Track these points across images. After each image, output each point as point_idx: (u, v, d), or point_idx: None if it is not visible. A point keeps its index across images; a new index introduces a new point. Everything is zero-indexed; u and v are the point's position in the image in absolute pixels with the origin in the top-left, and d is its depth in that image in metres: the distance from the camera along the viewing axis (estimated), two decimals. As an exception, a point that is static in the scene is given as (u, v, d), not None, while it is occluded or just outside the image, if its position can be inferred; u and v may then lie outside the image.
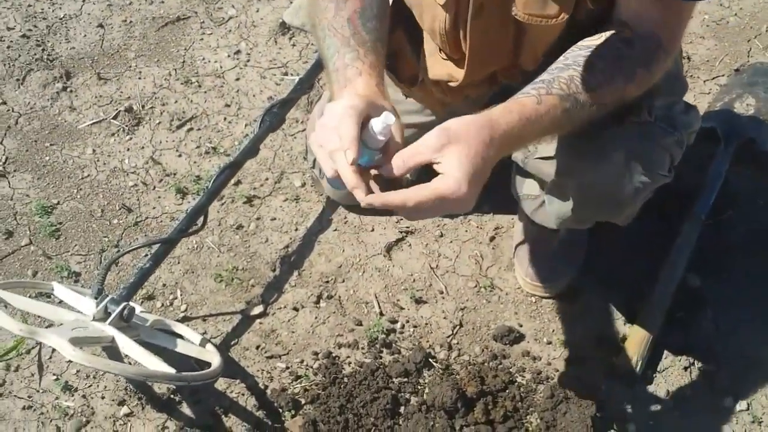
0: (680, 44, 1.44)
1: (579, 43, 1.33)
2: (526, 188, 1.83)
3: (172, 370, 1.55)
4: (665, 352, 1.88)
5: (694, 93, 2.38)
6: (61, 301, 1.78)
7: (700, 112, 1.64)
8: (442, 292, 1.99)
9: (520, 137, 1.23)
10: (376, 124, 1.14)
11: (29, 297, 1.76)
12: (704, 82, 2.43)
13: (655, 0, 1.27)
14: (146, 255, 1.90)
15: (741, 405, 1.80)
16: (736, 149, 2.18)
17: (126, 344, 1.62)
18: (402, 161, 1.16)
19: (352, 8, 1.38)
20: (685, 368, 1.86)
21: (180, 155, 2.23)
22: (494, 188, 1.92)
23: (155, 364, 1.57)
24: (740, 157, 2.19)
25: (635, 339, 1.85)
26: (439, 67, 1.58)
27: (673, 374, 1.86)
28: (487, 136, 1.16)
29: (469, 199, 1.15)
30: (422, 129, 1.82)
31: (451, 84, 1.58)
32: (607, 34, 1.31)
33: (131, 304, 1.69)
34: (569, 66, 1.29)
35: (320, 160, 1.21)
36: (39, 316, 1.83)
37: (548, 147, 1.55)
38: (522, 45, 1.46)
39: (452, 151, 1.13)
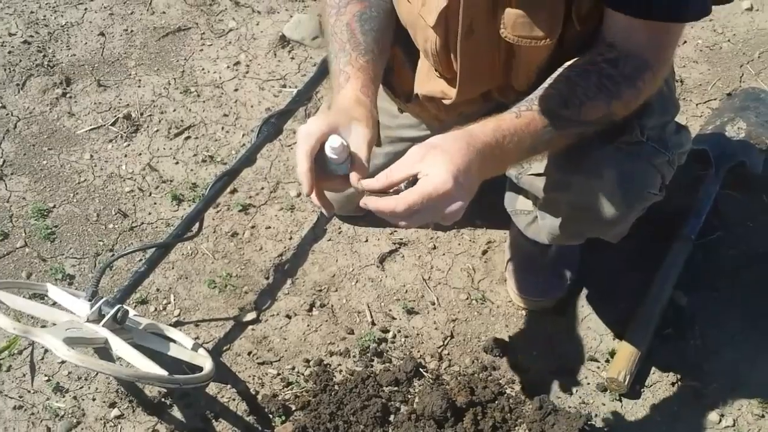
0: (670, 65, 1.46)
1: (566, 64, 1.37)
2: (519, 204, 1.85)
3: (164, 373, 1.56)
4: (653, 367, 1.90)
5: (686, 116, 2.42)
6: (54, 303, 1.79)
7: (691, 133, 1.67)
8: (433, 304, 2.01)
9: (502, 149, 1.26)
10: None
11: (23, 297, 1.77)
12: (696, 105, 2.47)
13: (641, 23, 1.29)
14: (141, 260, 1.92)
15: (727, 421, 1.82)
16: (727, 172, 2.22)
17: (119, 346, 1.63)
18: (386, 176, 1.21)
19: (352, 12, 1.42)
20: (673, 384, 1.88)
21: (177, 163, 2.25)
22: (487, 203, 1.97)
23: (148, 366, 1.58)
24: (730, 180, 2.22)
25: (624, 354, 1.86)
26: (433, 84, 1.61)
27: (661, 389, 1.87)
28: (464, 143, 1.21)
29: (457, 195, 1.18)
30: (416, 143, 1.86)
31: (445, 101, 1.61)
32: (593, 54, 1.35)
33: (125, 306, 1.70)
34: (552, 86, 1.33)
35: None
36: (32, 317, 1.83)
37: (541, 164, 1.58)
38: (512, 66, 1.49)
39: (432, 155, 1.19)
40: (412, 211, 1.18)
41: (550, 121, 1.29)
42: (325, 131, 1.25)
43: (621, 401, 1.85)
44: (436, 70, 1.57)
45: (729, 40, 2.65)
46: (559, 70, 1.36)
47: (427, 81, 1.62)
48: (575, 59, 1.36)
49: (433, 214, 1.20)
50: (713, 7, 1.32)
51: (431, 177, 1.17)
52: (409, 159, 1.21)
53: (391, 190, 1.21)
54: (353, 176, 1.25)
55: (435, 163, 1.18)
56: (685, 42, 2.61)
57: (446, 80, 1.57)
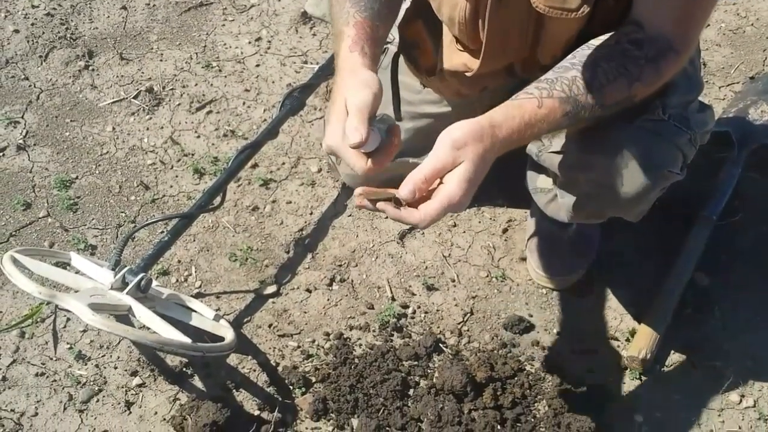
0: (695, 46, 1.45)
1: (589, 42, 1.35)
2: (540, 182, 1.85)
3: (188, 340, 1.57)
4: (673, 347, 1.90)
5: (708, 98, 2.40)
6: (78, 272, 1.80)
7: (715, 112, 1.66)
8: (453, 281, 2.01)
9: (520, 140, 1.26)
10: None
11: (48, 264, 1.78)
12: (719, 88, 2.45)
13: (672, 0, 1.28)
14: (162, 231, 1.93)
15: (747, 402, 1.81)
16: (749, 154, 2.21)
17: (143, 313, 1.63)
18: (426, 183, 1.17)
19: None
20: (693, 364, 1.87)
21: (198, 137, 2.25)
22: (508, 181, 1.97)
23: (172, 334, 1.59)
24: (753, 163, 2.21)
25: (644, 333, 1.86)
26: (456, 57, 1.60)
27: (681, 369, 1.87)
28: (490, 142, 1.20)
29: (466, 202, 1.19)
30: (438, 119, 1.85)
31: (467, 74, 1.60)
32: (618, 34, 1.34)
33: (148, 275, 1.70)
34: (574, 65, 1.31)
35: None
36: (56, 283, 1.84)
37: (562, 141, 1.57)
38: (540, 38, 1.47)
39: (461, 166, 1.18)
40: (430, 221, 1.18)
41: (571, 107, 1.28)
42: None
43: (641, 380, 1.85)
44: (458, 43, 1.56)
45: (752, 24, 2.63)
46: (582, 47, 1.35)
47: (450, 55, 1.61)
48: (602, 36, 1.35)
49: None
50: None
51: (451, 190, 1.16)
52: (443, 165, 1.17)
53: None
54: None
55: (455, 174, 1.17)
56: (709, 25, 2.59)
57: (470, 52, 1.56)
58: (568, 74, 1.30)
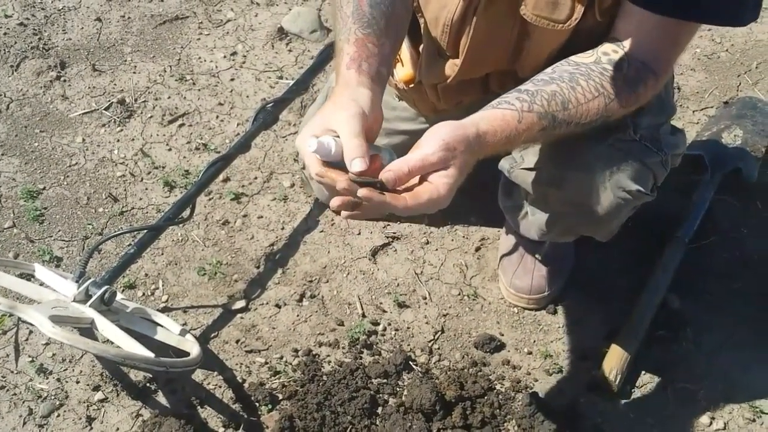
0: (672, 70, 1.46)
1: (569, 58, 1.35)
2: (511, 199, 1.84)
3: (151, 354, 1.54)
4: (645, 369, 1.89)
5: (683, 122, 2.42)
6: (42, 284, 1.76)
7: (687, 136, 1.66)
8: (425, 298, 1.99)
9: (497, 152, 1.27)
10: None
11: (10, 275, 1.74)
12: (693, 112, 2.47)
13: (656, 20, 1.28)
14: (130, 244, 1.90)
15: (718, 424, 1.80)
16: (722, 178, 2.22)
17: (106, 327, 1.60)
18: (407, 175, 1.14)
19: None
20: (664, 386, 1.86)
21: (170, 149, 2.23)
22: (482, 200, 1.96)
23: (134, 348, 1.56)
24: (725, 186, 2.22)
25: (615, 354, 1.85)
26: (434, 67, 1.59)
27: (652, 391, 1.86)
28: (477, 153, 1.20)
29: (445, 206, 1.18)
30: (412, 136, 1.83)
31: (446, 83, 1.59)
32: (598, 52, 1.33)
33: (112, 288, 1.67)
34: (554, 80, 1.30)
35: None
36: (19, 295, 1.80)
37: (534, 158, 1.56)
38: (523, 48, 1.47)
39: (449, 168, 1.16)
40: (409, 212, 1.15)
41: (548, 123, 1.27)
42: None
43: (611, 401, 1.83)
44: (439, 49, 1.54)
45: (727, 50, 2.66)
46: (562, 63, 1.35)
47: (428, 65, 1.60)
48: (582, 53, 1.35)
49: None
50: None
51: (439, 192, 1.14)
52: (431, 162, 1.14)
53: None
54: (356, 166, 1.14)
55: (443, 177, 1.15)
56: (687, 45, 2.61)
57: (449, 58, 1.55)
58: (547, 88, 1.29)
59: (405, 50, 1.68)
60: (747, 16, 1.27)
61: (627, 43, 1.32)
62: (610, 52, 1.33)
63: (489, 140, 1.21)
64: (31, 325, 1.51)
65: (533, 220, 1.74)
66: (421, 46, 1.60)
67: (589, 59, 1.33)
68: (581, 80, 1.30)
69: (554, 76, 1.32)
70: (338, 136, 1.15)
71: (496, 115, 1.24)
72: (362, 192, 1.11)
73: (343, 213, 1.18)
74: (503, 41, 1.46)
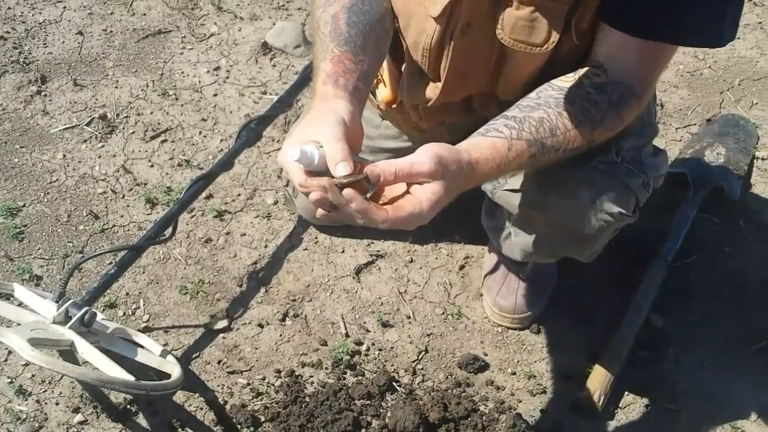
0: (653, 90, 1.46)
1: (552, 82, 1.35)
2: (494, 220, 1.84)
3: (131, 378, 1.52)
4: (628, 389, 1.89)
5: (665, 140, 2.43)
6: (21, 303, 1.74)
7: (669, 157, 1.66)
8: (409, 317, 1.98)
9: (488, 179, 1.27)
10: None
11: (-12, 296, 1.72)
12: (676, 129, 2.48)
13: (636, 43, 1.28)
14: (111, 263, 1.88)
15: (701, 444, 1.81)
16: (705, 196, 2.22)
17: (85, 349, 1.58)
18: (393, 175, 1.10)
19: (341, 3, 1.35)
20: (647, 405, 1.86)
21: (152, 166, 2.21)
22: (466, 218, 1.96)
23: (114, 371, 1.54)
24: (708, 204, 2.23)
25: (599, 374, 1.85)
26: (415, 88, 1.58)
27: (635, 411, 1.86)
28: (465, 181, 1.17)
29: (426, 219, 1.13)
30: (397, 154, 1.82)
31: (427, 105, 1.59)
32: (581, 76, 1.33)
33: (93, 309, 1.65)
34: (540, 106, 1.30)
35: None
36: (-3, 316, 1.78)
37: (516, 180, 1.56)
38: (502, 71, 1.46)
39: (438, 182, 1.12)
40: (388, 223, 1.11)
41: (537, 150, 1.27)
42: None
43: (595, 422, 1.83)
44: (420, 71, 1.54)
45: (710, 67, 2.67)
46: (546, 87, 1.35)
47: (410, 85, 1.59)
48: (564, 77, 1.34)
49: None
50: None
51: (421, 203, 1.10)
52: (420, 171, 1.10)
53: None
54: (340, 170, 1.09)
55: (428, 192, 1.11)
56: (667, 67, 2.62)
57: (430, 81, 1.54)
58: (535, 114, 1.28)
59: (386, 71, 1.67)
60: (725, 37, 1.28)
61: (608, 65, 1.32)
62: (592, 75, 1.33)
63: (480, 169, 1.20)
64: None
65: (516, 241, 1.74)
66: (404, 66, 1.59)
67: (571, 83, 1.33)
68: (567, 106, 1.30)
69: (540, 102, 1.31)
70: (321, 146, 1.11)
71: (486, 144, 1.23)
72: (347, 192, 1.06)
73: (319, 212, 1.13)
74: (482, 65, 1.46)
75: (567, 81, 1.34)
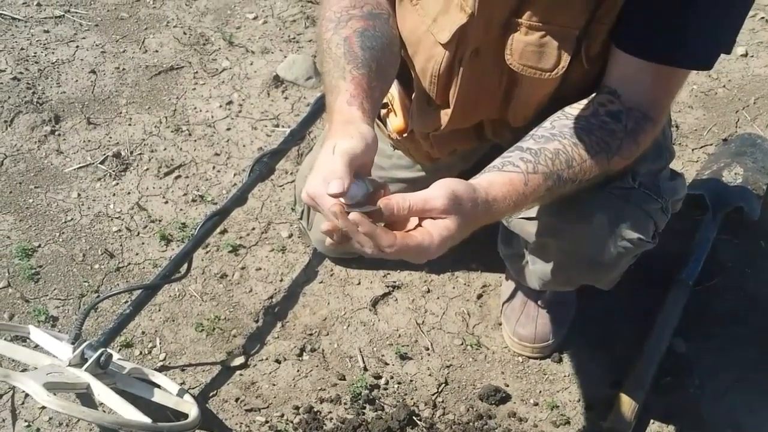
0: (668, 114, 1.44)
1: (565, 110, 1.33)
2: (511, 248, 1.82)
3: (148, 420, 1.51)
4: (652, 417, 1.85)
5: (682, 161, 2.40)
6: (37, 346, 1.73)
7: (686, 180, 1.64)
8: (427, 349, 1.95)
9: (504, 215, 1.23)
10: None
11: (4, 339, 1.71)
12: (692, 150, 2.45)
13: (648, 67, 1.27)
14: (126, 302, 1.87)
15: (729, 473, 1.77)
16: (724, 217, 2.19)
17: (102, 391, 1.57)
18: (407, 210, 1.08)
19: (353, 28, 1.32)
20: (673, 434, 1.83)
21: (166, 202, 2.21)
22: (483, 246, 1.94)
23: (131, 413, 1.52)
24: (727, 225, 2.20)
25: (623, 403, 1.81)
26: (425, 116, 1.57)
27: (661, 440, 1.82)
28: (480, 218, 1.14)
29: (434, 254, 1.10)
30: (411, 184, 1.82)
31: (436, 132, 1.58)
32: (595, 104, 1.31)
33: (108, 350, 1.64)
34: (555, 137, 1.28)
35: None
36: (13, 360, 1.77)
37: (532, 207, 1.54)
38: (512, 97, 1.45)
39: (451, 218, 1.09)
40: (396, 255, 1.08)
41: (553, 182, 1.24)
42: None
43: (620, 452, 1.80)
44: (429, 99, 1.52)
45: (724, 86, 2.65)
46: (559, 116, 1.33)
47: (420, 114, 1.58)
48: (577, 104, 1.33)
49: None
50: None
51: (432, 237, 1.07)
52: (434, 207, 1.07)
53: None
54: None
55: (440, 227, 1.08)
56: (680, 89, 2.60)
57: (439, 108, 1.53)
58: (550, 146, 1.26)
59: (397, 99, 1.67)
60: (729, 51, 1.28)
61: (622, 93, 1.31)
62: (606, 102, 1.31)
63: (497, 207, 1.17)
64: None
65: (533, 270, 1.71)
66: (413, 95, 1.59)
67: (586, 111, 1.31)
68: (583, 136, 1.28)
69: (554, 132, 1.29)
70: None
71: (503, 180, 1.20)
72: (353, 216, 1.03)
73: (327, 240, 1.09)
74: (492, 90, 1.45)
75: (581, 109, 1.32)
